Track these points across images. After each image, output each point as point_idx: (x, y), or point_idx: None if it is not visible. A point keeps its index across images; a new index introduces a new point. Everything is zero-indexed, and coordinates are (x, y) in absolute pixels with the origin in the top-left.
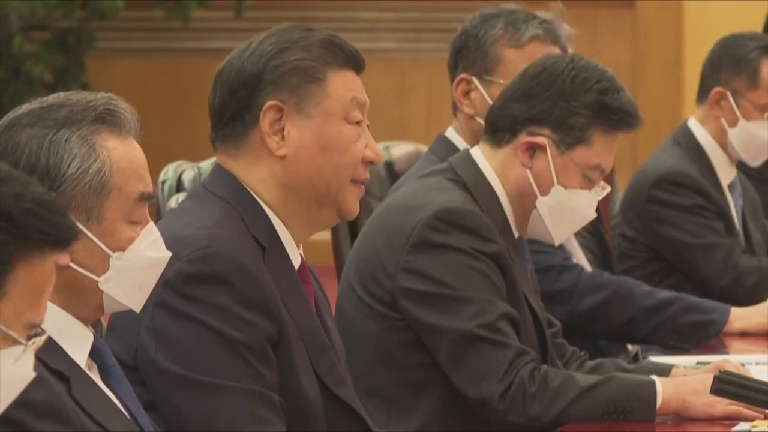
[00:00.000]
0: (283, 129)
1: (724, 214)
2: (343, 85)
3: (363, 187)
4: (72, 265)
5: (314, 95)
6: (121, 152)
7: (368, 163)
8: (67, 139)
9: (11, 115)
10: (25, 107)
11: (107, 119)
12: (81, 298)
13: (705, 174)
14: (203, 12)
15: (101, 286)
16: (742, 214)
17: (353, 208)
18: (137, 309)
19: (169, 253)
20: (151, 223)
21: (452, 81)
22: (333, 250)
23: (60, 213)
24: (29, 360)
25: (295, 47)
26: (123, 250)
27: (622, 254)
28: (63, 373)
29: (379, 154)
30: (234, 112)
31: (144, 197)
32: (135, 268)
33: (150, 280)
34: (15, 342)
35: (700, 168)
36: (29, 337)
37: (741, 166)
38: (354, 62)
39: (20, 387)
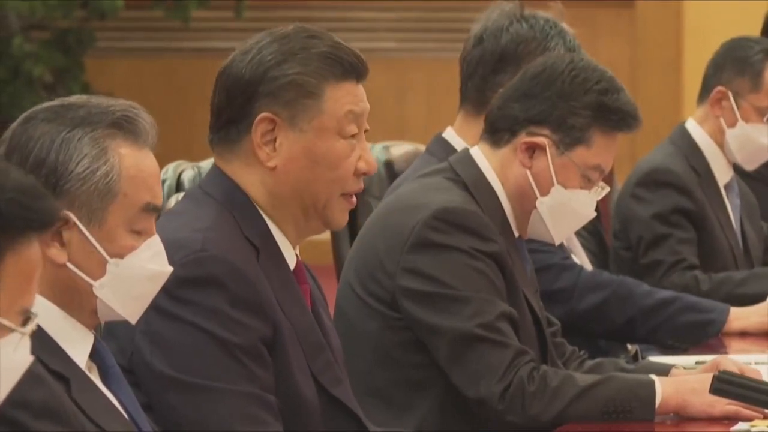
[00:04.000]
0: (275, 140)
1: (705, 215)
2: (339, 99)
3: (354, 198)
4: (69, 264)
5: (309, 110)
6: (133, 160)
7: (361, 174)
8: (80, 138)
9: (31, 110)
10: (46, 104)
11: (124, 125)
12: (76, 301)
13: (700, 173)
14: (203, 12)
15: (95, 291)
16: (740, 214)
17: (341, 220)
18: (132, 320)
19: (171, 268)
20: (156, 236)
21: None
22: (332, 250)
23: (41, 197)
24: (26, 346)
25: (294, 59)
26: (121, 257)
27: (615, 253)
28: (62, 374)
29: (371, 165)
30: (229, 117)
31: (150, 208)
32: (132, 277)
33: (148, 292)
34: (11, 330)
35: (694, 167)
36: (23, 324)
37: (741, 167)
38: (354, 72)
39: (19, 373)
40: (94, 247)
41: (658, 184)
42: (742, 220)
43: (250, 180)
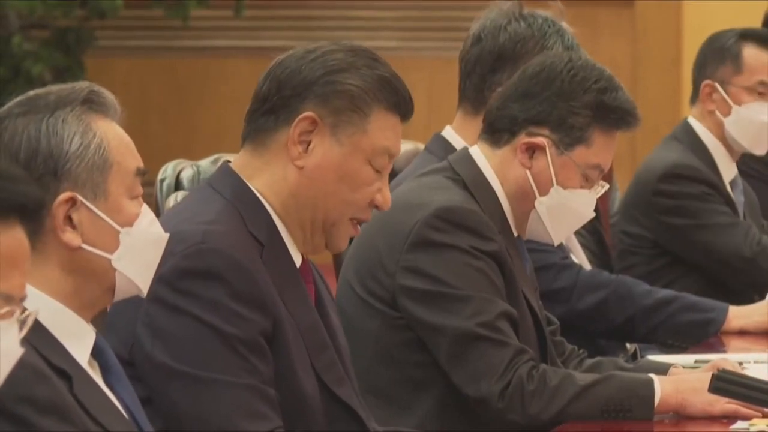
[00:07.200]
0: (310, 142)
1: (732, 206)
2: (382, 129)
3: (359, 227)
4: (84, 246)
5: (353, 125)
6: (112, 130)
7: (374, 206)
8: (64, 119)
9: None
10: (10, 103)
11: (95, 100)
12: (92, 281)
13: (708, 169)
14: (202, 11)
15: (114, 264)
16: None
17: (342, 243)
18: (145, 290)
19: (167, 234)
20: (145, 204)
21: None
22: None
23: (21, 181)
24: (13, 336)
25: (356, 72)
26: (130, 225)
27: (624, 251)
28: (65, 370)
29: (387, 202)
30: (273, 106)
31: (140, 172)
32: (142, 244)
33: (155, 259)
34: None
35: (702, 163)
36: (12, 311)
37: (739, 166)
38: (403, 109)
39: (9, 364)
40: (105, 221)
41: (684, 178)
42: (745, 215)
43: (272, 176)
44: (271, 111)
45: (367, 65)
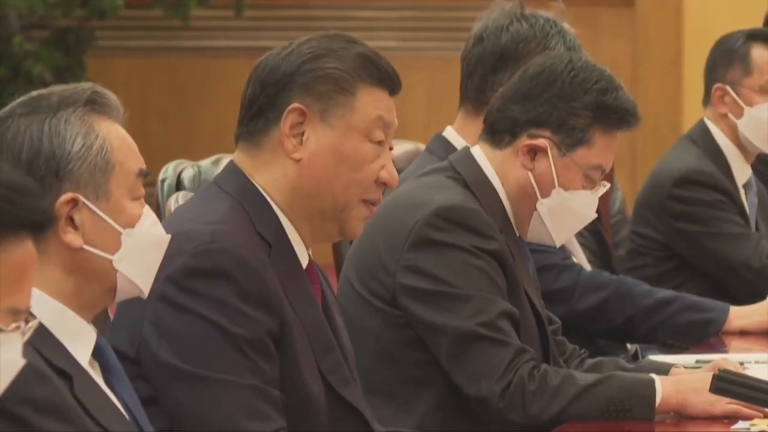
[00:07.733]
0: (303, 133)
1: (743, 213)
2: (371, 102)
3: (373, 208)
4: (86, 247)
5: (340, 106)
6: (115, 131)
7: (382, 184)
8: (66, 120)
9: (1, 111)
10: (13, 103)
11: (98, 101)
12: (93, 282)
13: (723, 173)
14: (203, 11)
15: (115, 265)
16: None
17: (356, 228)
18: (146, 291)
19: (169, 235)
20: (147, 205)
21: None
22: (332, 249)
23: (35, 196)
24: (16, 347)
25: (332, 55)
26: (132, 226)
27: (633, 251)
28: (65, 371)
29: (394, 177)
30: (260, 107)
31: (142, 173)
32: (144, 245)
33: (156, 260)
34: None
35: (717, 167)
36: (18, 326)
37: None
38: (389, 82)
39: (10, 375)
40: (107, 222)
41: (699, 184)
42: (757, 218)
43: (272, 175)
44: (259, 113)
45: (344, 47)
